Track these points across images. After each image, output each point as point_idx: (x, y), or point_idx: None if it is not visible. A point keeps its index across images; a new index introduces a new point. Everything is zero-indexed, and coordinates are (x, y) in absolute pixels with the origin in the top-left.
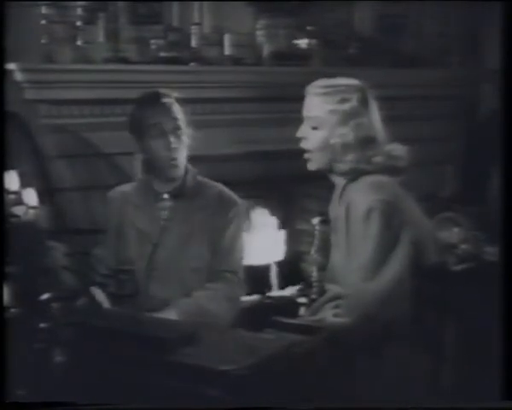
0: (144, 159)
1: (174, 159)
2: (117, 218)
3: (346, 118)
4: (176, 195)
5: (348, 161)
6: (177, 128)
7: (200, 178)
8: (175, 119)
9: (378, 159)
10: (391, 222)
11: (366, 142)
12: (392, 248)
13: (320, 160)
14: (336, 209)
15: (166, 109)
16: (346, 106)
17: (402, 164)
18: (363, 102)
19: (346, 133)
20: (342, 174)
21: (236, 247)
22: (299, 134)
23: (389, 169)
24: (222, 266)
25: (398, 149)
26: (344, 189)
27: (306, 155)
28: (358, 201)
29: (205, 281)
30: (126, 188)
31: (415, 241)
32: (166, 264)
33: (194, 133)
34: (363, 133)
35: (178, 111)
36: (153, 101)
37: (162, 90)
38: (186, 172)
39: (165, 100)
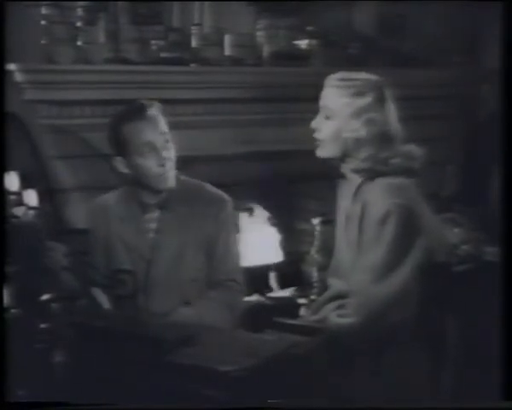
0: (130, 173)
1: (167, 172)
2: (103, 231)
3: (360, 111)
4: (163, 204)
5: (362, 160)
6: (167, 141)
7: (182, 178)
8: (163, 133)
9: (395, 160)
10: (407, 227)
11: (381, 140)
12: (406, 252)
13: (331, 149)
14: (349, 207)
15: (155, 124)
16: (361, 100)
17: (418, 165)
18: (379, 99)
19: (359, 128)
20: (357, 172)
21: (232, 252)
22: (313, 124)
23: (406, 170)
24: (220, 275)
25: (416, 151)
26: (360, 187)
27: (317, 143)
28: (376, 202)
29: (204, 289)
30: (108, 198)
31: (427, 246)
32: (163, 280)
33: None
34: (377, 130)
35: (163, 121)
36: (139, 116)
37: (145, 102)
38: None
39: (151, 113)
